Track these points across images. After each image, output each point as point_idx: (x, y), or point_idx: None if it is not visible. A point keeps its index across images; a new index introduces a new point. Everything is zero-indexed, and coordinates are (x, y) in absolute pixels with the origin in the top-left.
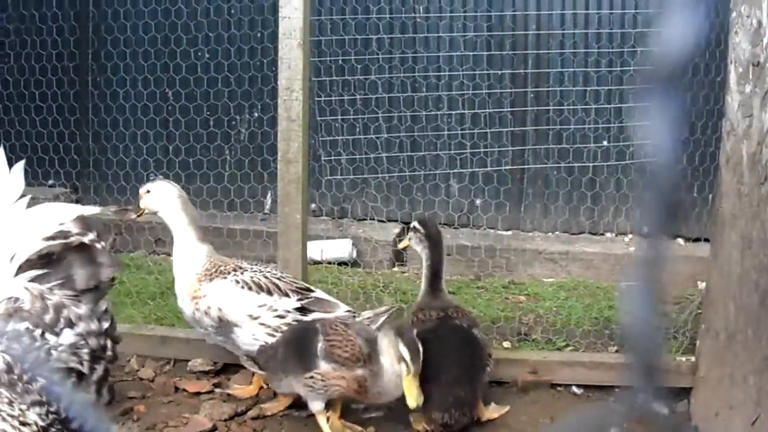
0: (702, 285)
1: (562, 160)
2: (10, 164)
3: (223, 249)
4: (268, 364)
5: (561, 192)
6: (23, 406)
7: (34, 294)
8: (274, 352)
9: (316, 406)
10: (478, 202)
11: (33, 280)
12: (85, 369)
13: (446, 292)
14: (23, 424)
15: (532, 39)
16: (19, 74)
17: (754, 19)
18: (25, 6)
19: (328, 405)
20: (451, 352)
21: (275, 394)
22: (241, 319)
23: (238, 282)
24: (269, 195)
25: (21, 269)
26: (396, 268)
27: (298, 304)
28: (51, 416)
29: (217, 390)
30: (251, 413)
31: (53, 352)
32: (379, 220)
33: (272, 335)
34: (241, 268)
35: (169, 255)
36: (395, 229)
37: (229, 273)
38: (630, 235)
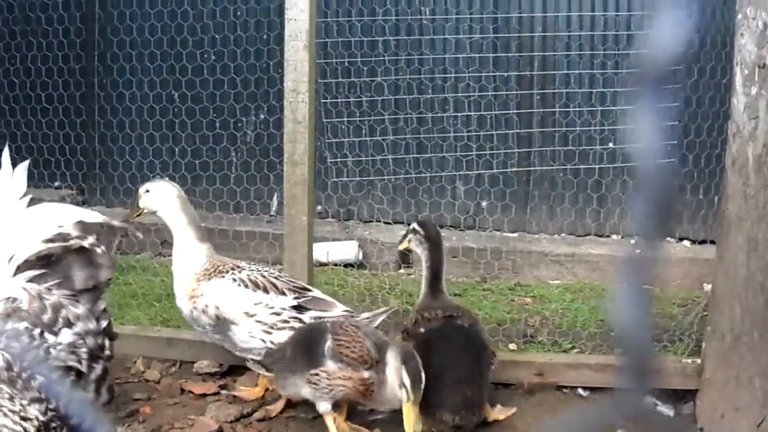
0: (708, 287)
1: (568, 162)
2: (16, 166)
3: (229, 251)
4: (275, 364)
5: (567, 194)
6: (24, 402)
7: (33, 294)
8: (283, 351)
9: (323, 407)
10: (484, 204)
11: (31, 280)
12: (83, 368)
13: (446, 293)
14: (24, 419)
15: (538, 41)
16: (25, 76)
17: (759, 21)
18: (31, 8)
19: (335, 407)
20: (457, 351)
21: (280, 396)
22: (238, 316)
23: (235, 280)
24: (275, 197)
25: (19, 269)
26: (402, 270)
27: (294, 303)
28: (50, 413)
29: (223, 392)
30: (257, 415)
31: (52, 350)
32: (385, 222)
33: (268, 332)
34: (239, 267)
35: None
36: (401, 231)
37: (227, 272)
38: (636, 237)
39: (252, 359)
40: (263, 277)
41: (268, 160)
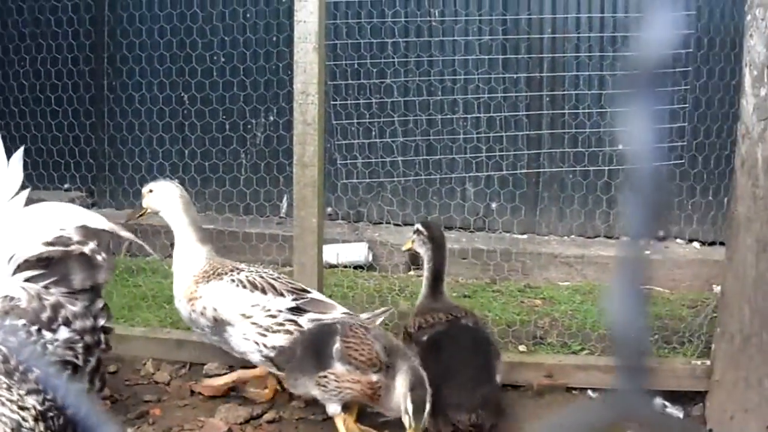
0: (717, 288)
1: (577, 164)
2: (24, 168)
3: (239, 253)
4: (286, 364)
5: (576, 195)
6: (21, 392)
7: (31, 293)
8: (293, 351)
9: (332, 408)
10: (493, 205)
11: (30, 279)
12: (79, 362)
13: (446, 294)
14: (22, 408)
15: (547, 42)
16: (35, 78)
17: None
18: (41, 11)
19: (345, 408)
20: (467, 352)
21: (291, 397)
22: (234, 317)
23: (233, 281)
24: (285, 199)
25: (19, 269)
26: (412, 272)
27: (292, 304)
28: (48, 403)
29: (233, 393)
30: (267, 417)
31: (49, 346)
32: (395, 224)
33: (263, 335)
34: (237, 268)
35: None
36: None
37: (225, 274)
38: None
39: (264, 358)
40: (261, 278)
41: (277, 162)
